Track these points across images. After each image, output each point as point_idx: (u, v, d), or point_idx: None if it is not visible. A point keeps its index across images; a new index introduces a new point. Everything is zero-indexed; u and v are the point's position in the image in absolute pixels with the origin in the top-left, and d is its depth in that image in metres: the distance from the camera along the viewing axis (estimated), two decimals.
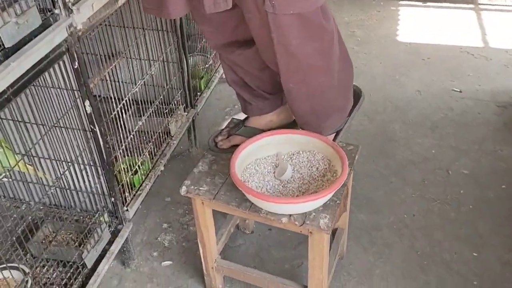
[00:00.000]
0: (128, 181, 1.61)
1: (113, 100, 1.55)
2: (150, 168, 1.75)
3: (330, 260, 1.50)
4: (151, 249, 1.77)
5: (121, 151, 1.58)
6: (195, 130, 2.15)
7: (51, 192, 1.56)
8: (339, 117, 1.45)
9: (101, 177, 1.47)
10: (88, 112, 1.33)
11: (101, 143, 1.40)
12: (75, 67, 1.26)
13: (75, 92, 1.31)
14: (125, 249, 1.64)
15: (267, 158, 1.39)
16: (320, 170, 1.33)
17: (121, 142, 1.60)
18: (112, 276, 1.68)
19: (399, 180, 2.01)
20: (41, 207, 1.62)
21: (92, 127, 1.37)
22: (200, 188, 1.35)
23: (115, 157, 1.56)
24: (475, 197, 1.91)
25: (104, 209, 1.55)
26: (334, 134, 1.47)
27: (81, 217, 1.57)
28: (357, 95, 1.49)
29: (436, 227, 1.80)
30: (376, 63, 2.80)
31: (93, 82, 1.40)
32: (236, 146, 1.41)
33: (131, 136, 1.64)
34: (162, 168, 1.78)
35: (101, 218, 1.50)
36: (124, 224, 1.56)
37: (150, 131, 1.79)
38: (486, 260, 1.67)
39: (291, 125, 1.53)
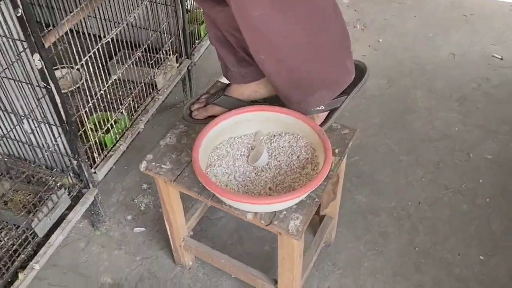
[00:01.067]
0: (97, 140, 1.45)
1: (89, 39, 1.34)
2: (128, 126, 1.57)
3: (309, 254, 1.33)
4: (126, 211, 1.64)
5: (87, 109, 1.40)
6: (191, 81, 1.94)
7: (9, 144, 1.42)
8: (328, 91, 1.19)
9: (60, 137, 1.31)
10: (39, 67, 1.15)
11: (58, 100, 1.23)
12: (19, 14, 1.06)
13: (21, 43, 1.11)
14: (92, 212, 1.51)
15: (243, 137, 1.19)
16: (300, 159, 1.12)
17: (90, 96, 1.42)
18: (80, 238, 1.57)
19: (411, 159, 1.78)
20: (6, 159, 1.49)
21: (45, 84, 1.19)
22: (163, 166, 1.18)
23: (80, 117, 1.38)
24: (494, 188, 1.67)
25: (69, 169, 1.41)
26: (326, 113, 1.24)
27: (45, 175, 1.43)
28: (361, 71, 1.24)
29: (442, 220, 1.58)
30: (409, 16, 2.46)
31: (49, 41, 1.17)
32: (213, 117, 1.21)
33: (104, 89, 1.45)
34: (142, 127, 1.60)
35: (58, 183, 1.36)
36: (88, 188, 1.42)
37: (130, 83, 1.60)
38: (494, 266, 1.46)
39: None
